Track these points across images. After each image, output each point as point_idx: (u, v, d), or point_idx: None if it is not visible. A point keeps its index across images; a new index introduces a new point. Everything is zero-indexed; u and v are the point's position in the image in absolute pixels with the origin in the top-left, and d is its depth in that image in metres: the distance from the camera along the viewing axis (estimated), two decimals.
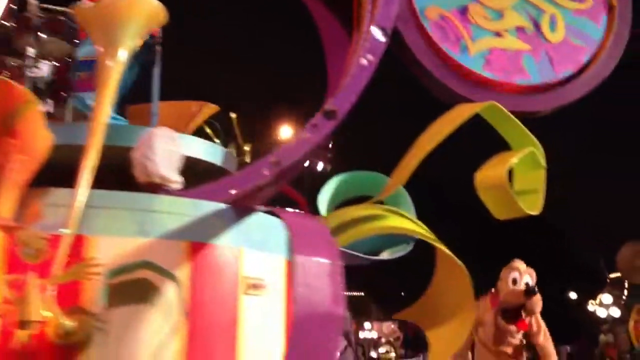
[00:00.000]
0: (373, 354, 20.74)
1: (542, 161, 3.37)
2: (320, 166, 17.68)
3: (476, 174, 3.24)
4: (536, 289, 5.84)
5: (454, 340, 3.45)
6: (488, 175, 3.25)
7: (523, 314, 5.86)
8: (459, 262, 3.22)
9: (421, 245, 3.73)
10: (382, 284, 32.79)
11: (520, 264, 6.28)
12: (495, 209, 3.25)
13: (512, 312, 5.84)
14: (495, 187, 3.14)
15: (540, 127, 3.43)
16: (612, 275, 37.67)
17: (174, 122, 3.38)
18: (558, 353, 20.71)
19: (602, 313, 33.73)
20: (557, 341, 20.65)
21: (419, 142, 3.17)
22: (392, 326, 29.79)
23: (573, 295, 37.00)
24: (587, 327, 33.92)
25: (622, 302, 36.33)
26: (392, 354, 20.40)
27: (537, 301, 5.82)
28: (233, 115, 3.75)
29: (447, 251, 3.21)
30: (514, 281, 5.93)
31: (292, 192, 4.12)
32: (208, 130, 3.77)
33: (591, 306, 34.15)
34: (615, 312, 33.50)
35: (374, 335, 24.14)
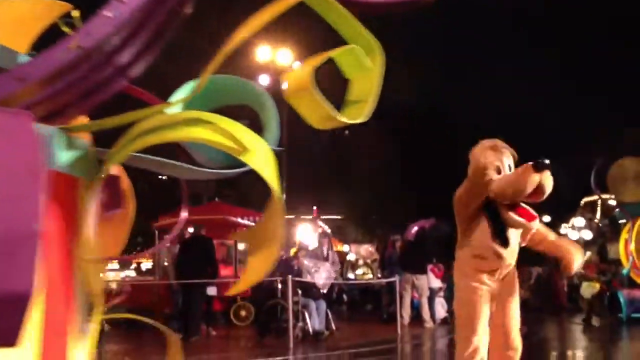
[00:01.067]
0: (350, 275, 21.16)
1: (367, 62, 2.86)
2: None
3: (284, 75, 2.75)
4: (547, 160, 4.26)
5: (258, 270, 2.89)
6: (294, 77, 2.75)
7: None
8: (275, 187, 2.59)
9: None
10: (360, 208, 33.24)
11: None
12: (309, 116, 2.74)
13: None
14: (301, 89, 2.63)
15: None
16: (585, 199, 38.65)
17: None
18: (529, 274, 20.89)
19: (573, 235, 34.73)
20: (529, 263, 20.89)
21: (236, 33, 2.65)
22: (370, 249, 30.36)
23: (546, 218, 37.85)
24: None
25: (594, 225, 37.26)
26: (369, 275, 20.85)
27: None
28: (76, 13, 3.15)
29: (265, 174, 2.59)
30: (499, 170, 4.32)
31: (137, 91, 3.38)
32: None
33: (563, 229, 35.13)
34: (587, 235, 34.52)
35: (351, 257, 24.56)
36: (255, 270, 2.90)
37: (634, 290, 13.34)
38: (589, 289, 13.81)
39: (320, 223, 23.13)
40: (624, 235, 13.21)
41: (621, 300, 13.40)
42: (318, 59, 2.68)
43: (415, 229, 13.78)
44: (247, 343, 9.97)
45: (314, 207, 23.53)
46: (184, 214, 4.11)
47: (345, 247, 26.87)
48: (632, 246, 12.46)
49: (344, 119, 2.74)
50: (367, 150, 32.10)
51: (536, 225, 4.41)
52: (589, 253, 14.40)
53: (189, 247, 11.23)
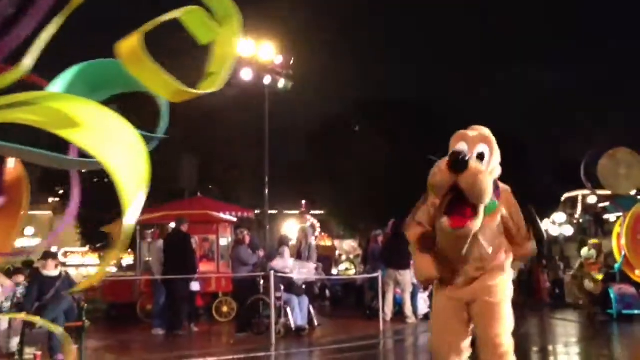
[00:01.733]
0: (333, 271, 21.14)
1: (214, 25, 2.63)
2: (281, 83, 17.40)
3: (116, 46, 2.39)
4: (467, 157, 3.57)
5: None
6: (126, 47, 2.30)
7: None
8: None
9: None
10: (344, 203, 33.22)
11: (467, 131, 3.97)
12: (157, 89, 2.52)
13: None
14: (135, 60, 2.34)
15: None
16: (566, 195, 38.95)
17: None
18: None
19: (554, 231, 34.99)
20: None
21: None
22: (353, 244, 30.39)
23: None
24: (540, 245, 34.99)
25: (575, 222, 37.60)
26: (352, 271, 20.83)
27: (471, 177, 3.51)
28: None
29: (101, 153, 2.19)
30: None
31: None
32: None
33: (544, 224, 35.33)
34: (568, 231, 34.80)
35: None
36: None
37: (625, 285, 12.92)
38: (591, 285, 13.52)
39: (309, 217, 23.06)
40: (616, 229, 13.21)
41: (612, 296, 12.92)
42: (150, 24, 2.38)
43: (393, 220, 13.73)
44: (229, 339, 9.89)
45: (303, 201, 23.46)
46: (73, 208, 3.70)
47: (335, 242, 26.87)
48: (623, 240, 12.37)
49: (196, 90, 2.51)
50: (351, 145, 32.07)
51: (469, 231, 3.70)
52: (586, 249, 14.15)
53: (169, 242, 11.13)
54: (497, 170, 3.97)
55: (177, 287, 10.60)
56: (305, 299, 10.41)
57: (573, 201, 39.04)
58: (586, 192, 38.21)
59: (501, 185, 4.04)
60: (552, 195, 40.80)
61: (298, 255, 12.10)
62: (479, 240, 3.87)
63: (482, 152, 3.84)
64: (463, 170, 3.53)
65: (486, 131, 3.98)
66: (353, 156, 31.17)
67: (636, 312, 12.44)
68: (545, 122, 35.16)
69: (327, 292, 18.77)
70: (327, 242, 22.27)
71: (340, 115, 34.41)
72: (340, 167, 31.57)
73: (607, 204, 34.41)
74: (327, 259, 19.85)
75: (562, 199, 39.35)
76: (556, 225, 34.18)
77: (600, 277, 13.41)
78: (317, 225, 22.73)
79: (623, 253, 12.52)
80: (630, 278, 12.74)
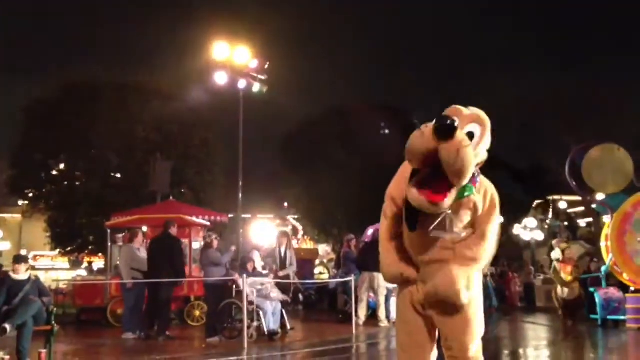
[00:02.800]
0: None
1: None
2: (256, 87, 17.35)
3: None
4: (455, 124, 3.13)
5: None
6: None
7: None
8: None
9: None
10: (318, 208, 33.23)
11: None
12: None
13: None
14: None
15: None
16: (537, 201, 39.47)
17: None
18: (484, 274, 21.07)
19: (526, 236, 35.42)
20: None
21: None
22: (327, 248, 30.41)
23: (499, 219, 38.45)
24: (512, 249, 35.46)
25: (546, 226, 38.07)
26: (326, 275, 20.86)
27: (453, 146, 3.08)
28: None
29: None
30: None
31: None
32: None
33: (516, 229, 35.77)
34: (539, 235, 35.24)
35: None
36: None
37: (612, 289, 12.37)
38: (564, 290, 13.11)
39: (292, 220, 22.92)
40: (605, 230, 12.76)
41: (597, 300, 12.31)
42: None
43: (371, 231, 13.79)
44: (201, 343, 9.81)
45: (285, 204, 23.34)
46: None
47: (319, 245, 26.76)
48: (609, 242, 12.01)
49: None
50: (327, 150, 32.08)
51: (442, 208, 3.23)
52: (557, 251, 13.41)
53: (156, 245, 10.97)
54: (482, 157, 3.47)
55: (161, 292, 10.50)
56: (278, 303, 10.38)
57: (544, 206, 39.60)
58: (557, 197, 38.78)
59: (486, 180, 3.63)
60: (523, 202, 41.33)
61: (281, 262, 12.06)
62: (451, 220, 3.39)
63: (472, 131, 3.38)
64: (447, 138, 3.05)
65: (482, 114, 3.50)
66: (328, 161, 31.21)
67: (622, 317, 11.90)
68: (518, 129, 35.52)
69: (301, 296, 18.75)
70: (310, 245, 22.16)
71: (315, 120, 34.43)
72: (315, 172, 31.57)
73: (581, 208, 35.02)
74: (309, 262, 19.82)
75: (534, 204, 39.87)
76: (527, 230, 34.60)
77: (569, 278, 13.03)
78: (300, 228, 22.63)
79: (610, 256, 12.10)
80: (619, 281, 12.27)
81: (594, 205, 12.93)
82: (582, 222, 32.01)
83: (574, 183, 13.16)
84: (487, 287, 19.36)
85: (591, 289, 12.84)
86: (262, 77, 17.44)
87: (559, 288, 13.36)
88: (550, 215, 38.55)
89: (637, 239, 11.64)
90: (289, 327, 10.96)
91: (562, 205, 37.72)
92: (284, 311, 10.76)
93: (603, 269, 12.77)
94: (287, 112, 45.61)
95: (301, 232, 22.17)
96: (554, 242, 15.26)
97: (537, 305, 18.99)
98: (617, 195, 12.66)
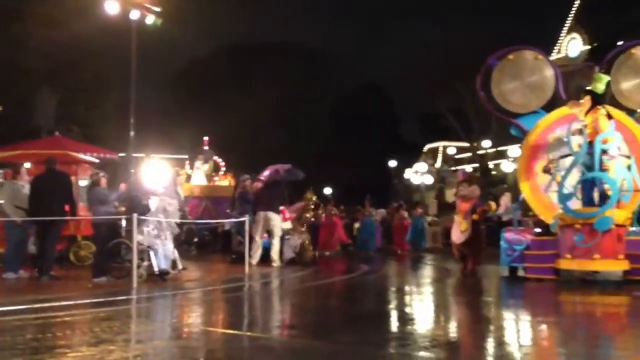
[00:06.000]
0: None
1: None
2: (150, 19, 16.58)
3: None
4: None
5: None
6: None
7: None
8: None
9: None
10: None
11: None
12: None
13: None
14: None
15: None
16: (428, 146, 40.90)
17: None
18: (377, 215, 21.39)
19: (416, 180, 36.71)
20: (376, 206, 21.77)
21: None
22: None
23: (392, 162, 39.59)
24: (402, 193, 36.68)
25: (435, 171, 39.59)
26: None
27: None
28: None
29: None
30: None
31: None
32: None
33: (407, 173, 36.99)
34: (428, 179, 36.64)
35: None
36: None
37: (523, 232, 10.05)
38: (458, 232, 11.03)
39: (215, 157, 22.10)
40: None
41: (501, 244, 9.99)
42: None
43: (267, 172, 13.71)
44: (88, 283, 9.52)
45: (205, 138, 22.37)
46: None
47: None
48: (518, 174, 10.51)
49: None
50: (224, 89, 31.47)
51: None
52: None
53: (42, 182, 10.37)
54: None
55: (51, 231, 10.06)
56: (169, 243, 10.19)
57: (434, 152, 41.11)
58: (447, 143, 40.22)
59: None
60: (416, 146, 42.63)
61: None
62: None
63: None
64: None
65: None
66: (225, 99, 30.65)
67: (519, 265, 9.72)
68: (414, 75, 36.18)
69: (195, 238, 18.55)
70: (226, 182, 21.35)
71: (212, 57, 33.56)
72: (209, 111, 30.98)
73: (469, 154, 36.47)
74: (226, 199, 19.27)
75: (425, 149, 41.28)
76: (418, 174, 35.88)
77: (461, 220, 10.90)
78: (222, 162, 21.93)
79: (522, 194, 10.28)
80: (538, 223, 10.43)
81: (512, 131, 10.65)
82: (468, 168, 33.49)
83: (484, 96, 10.65)
84: (423, 229, 19.96)
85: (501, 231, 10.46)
86: (157, 9, 16.67)
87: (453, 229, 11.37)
88: (439, 161, 40.13)
89: (551, 168, 9.65)
90: (180, 267, 10.83)
91: (451, 150, 39.35)
92: (175, 251, 10.60)
93: (515, 206, 11.27)
94: (182, 48, 44.02)
95: (223, 169, 21.51)
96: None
97: (423, 246, 19.81)
98: (534, 114, 10.50)
